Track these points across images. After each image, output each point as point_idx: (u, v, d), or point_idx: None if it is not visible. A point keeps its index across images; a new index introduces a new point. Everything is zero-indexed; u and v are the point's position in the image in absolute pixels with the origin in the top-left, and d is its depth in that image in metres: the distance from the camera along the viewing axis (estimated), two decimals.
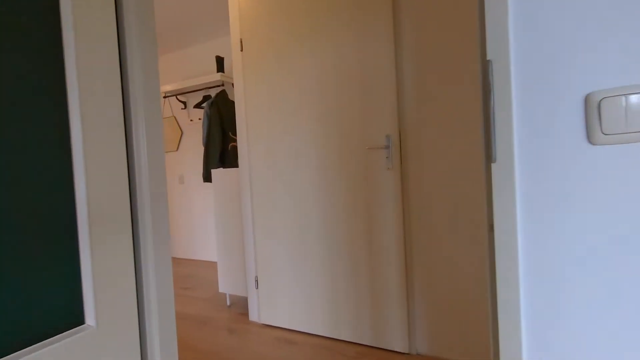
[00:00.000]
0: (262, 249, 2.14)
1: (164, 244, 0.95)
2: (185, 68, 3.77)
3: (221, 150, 2.93)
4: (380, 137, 1.74)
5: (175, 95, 3.61)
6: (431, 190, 1.69)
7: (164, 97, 3.61)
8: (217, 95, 3.12)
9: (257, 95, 2.12)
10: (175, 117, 3.89)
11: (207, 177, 2.90)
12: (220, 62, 3.24)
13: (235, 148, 2.97)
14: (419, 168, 1.71)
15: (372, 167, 1.76)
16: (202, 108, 3.36)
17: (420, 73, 1.69)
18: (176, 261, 3.85)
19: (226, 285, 2.45)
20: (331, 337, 1.93)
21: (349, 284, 1.85)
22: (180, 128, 3.87)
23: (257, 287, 2.18)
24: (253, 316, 2.22)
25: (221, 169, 2.42)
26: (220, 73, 3.17)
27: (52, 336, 0.68)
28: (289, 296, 2.05)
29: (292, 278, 2.03)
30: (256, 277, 2.18)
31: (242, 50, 2.15)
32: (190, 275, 3.25)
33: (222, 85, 3.25)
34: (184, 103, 3.78)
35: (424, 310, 1.73)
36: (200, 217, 3.81)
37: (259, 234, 2.15)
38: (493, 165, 0.68)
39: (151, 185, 0.91)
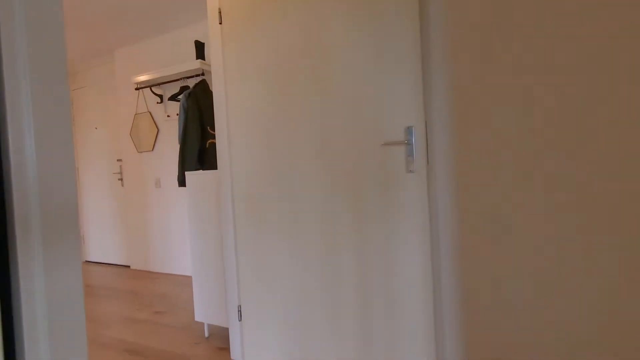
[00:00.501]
0: (246, 272, 1.71)
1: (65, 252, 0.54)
2: (162, 57, 3.32)
3: (200, 148, 2.49)
4: (399, 130, 1.33)
5: (150, 86, 3.16)
6: (470, 199, 1.28)
7: (137, 89, 3.15)
8: (196, 85, 2.68)
9: (240, 80, 1.69)
10: (150, 113, 3.43)
11: (183, 181, 2.46)
12: (200, 48, 2.80)
13: (214, 145, 2.54)
14: (454, 171, 1.30)
15: (388, 168, 1.35)
16: (178, 100, 2.92)
17: (459, 36, 1.28)
18: (151, 276, 3.38)
19: (203, 314, 2.01)
20: None
21: (358, 320, 1.43)
22: (156, 125, 3.41)
23: (240, 319, 1.75)
24: (235, 353, 1.78)
25: (199, 171, 1.99)
26: (199, 60, 2.74)
27: None
28: (280, 331, 1.62)
29: (284, 309, 1.61)
30: (239, 306, 1.75)
31: (220, 23, 1.73)
32: (165, 295, 2.80)
33: (202, 74, 2.82)
34: (160, 97, 3.33)
35: None
36: (179, 226, 3.36)
37: (242, 254, 1.72)
38: None
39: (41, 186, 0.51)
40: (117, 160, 3.83)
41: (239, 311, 1.75)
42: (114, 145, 3.85)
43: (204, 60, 2.83)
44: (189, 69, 2.77)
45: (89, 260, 4.15)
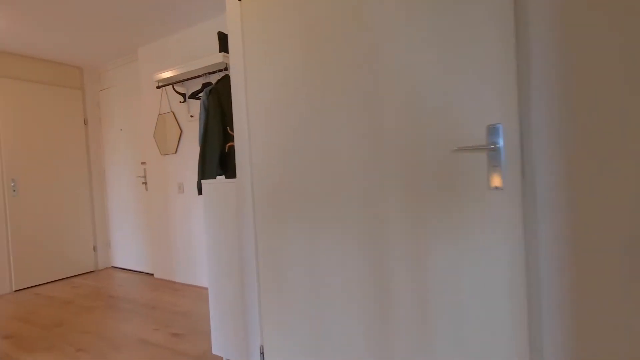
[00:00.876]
0: (270, 304, 1.39)
1: None
2: (185, 53, 3.09)
3: (221, 152, 2.21)
4: (479, 129, 0.95)
5: (172, 84, 2.93)
6: (596, 230, 0.88)
7: (158, 87, 2.93)
8: (219, 81, 2.40)
9: (263, 67, 1.37)
10: (173, 113, 3.21)
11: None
12: (223, 40, 2.52)
13: (234, 148, 2.25)
14: (569, 190, 0.91)
15: (463, 182, 0.98)
16: (198, 98, 2.66)
17: None
18: (173, 287, 3.17)
19: (222, 346, 1.71)
20: None
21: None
22: (179, 126, 3.19)
23: None
24: None
25: (215, 179, 1.70)
26: (222, 53, 2.46)
27: None
28: None
29: (317, 354, 1.27)
30: (261, 346, 1.43)
31: (240, 0, 1.42)
32: (185, 314, 2.55)
33: (226, 69, 2.54)
34: (184, 96, 3.10)
35: None
36: (202, 235, 3.11)
37: (266, 282, 1.40)
38: None
39: None
40: (141, 163, 3.66)
41: (262, 352, 1.43)
42: (139, 147, 3.68)
43: (228, 53, 2.55)
44: (210, 63, 2.50)
45: (115, 266, 4.03)
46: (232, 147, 2.22)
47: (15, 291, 3.31)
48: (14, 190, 3.32)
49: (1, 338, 2.29)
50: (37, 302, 2.97)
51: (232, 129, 2.23)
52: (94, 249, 3.93)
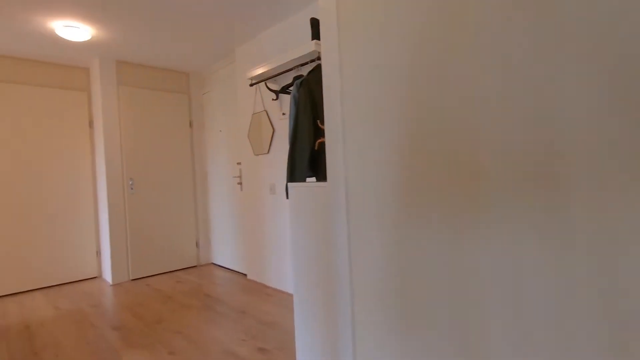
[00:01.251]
0: (374, 324, 1.05)
1: None
2: (279, 47, 2.95)
3: (311, 151, 1.95)
4: None
5: (264, 81, 2.81)
6: None
7: (251, 85, 2.85)
8: (311, 72, 2.16)
9: (361, 38, 1.04)
10: (266, 111, 3.11)
11: None
12: (316, 27, 2.27)
13: (324, 147, 1.96)
14: None
15: None
16: (288, 93, 2.46)
17: None
18: (264, 291, 3.07)
19: None
20: None
21: None
22: (271, 124, 3.08)
23: None
24: None
25: (304, 182, 1.43)
26: (315, 41, 2.21)
27: None
28: None
29: None
30: None
31: None
32: (274, 325, 2.37)
33: (319, 58, 2.28)
34: (276, 93, 2.97)
35: None
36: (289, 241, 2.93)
37: (364, 296, 1.07)
38: None
39: None
40: (237, 163, 3.69)
41: None
42: (235, 147, 3.72)
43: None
44: (302, 53, 2.28)
45: (214, 262, 4.18)
46: (322, 145, 1.94)
47: (131, 280, 3.63)
48: (132, 188, 3.64)
49: (112, 328, 2.43)
50: (146, 293, 3.17)
51: (321, 122, 1.95)
52: (197, 245, 4.13)
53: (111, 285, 3.46)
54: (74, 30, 2.77)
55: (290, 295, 2.95)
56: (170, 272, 3.90)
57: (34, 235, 3.41)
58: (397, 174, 0.99)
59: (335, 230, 1.20)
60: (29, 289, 3.40)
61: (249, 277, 3.49)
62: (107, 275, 3.62)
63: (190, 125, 4.12)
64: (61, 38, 2.96)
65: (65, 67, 3.62)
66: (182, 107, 4.04)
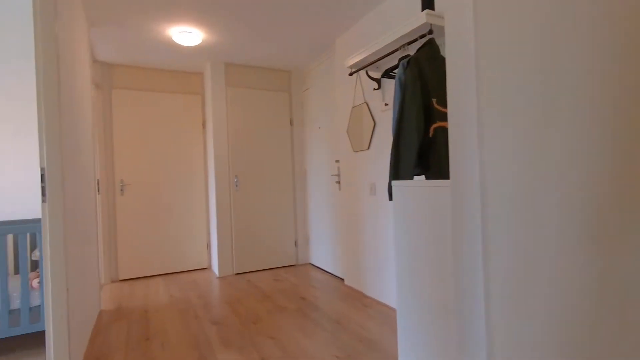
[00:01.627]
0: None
1: None
2: (380, 30, 2.63)
3: (421, 142, 1.58)
4: None
5: (364, 68, 2.52)
6: None
7: (351, 74, 2.59)
8: (420, 49, 1.79)
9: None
10: (367, 104, 2.83)
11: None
12: None
13: (445, 132, 1.55)
14: None
15: None
16: (392, 77, 2.12)
17: None
18: (362, 301, 2.79)
19: None
20: None
21: None
22: (372, 117, 2.78)
23: None
24: None
25: (412, 181, 1.10)
26: (426, 12, 1.83)
27: None
28: None
29: None
30: None
31: None
32: (370, 342, 2.07)
33: (430, 32, 1.89)
34: (378, 82, 2.66)
35: None
36: (392, 247, 2.58)
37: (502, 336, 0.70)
38: None
39: None
40: (335, 161, 3.49)
41: None
42: (334, 144, 3.54)
43: (433, 9, 1.89)
44: (410, 28, 1.91)
45: (312, 263, 4.08)
46: (441, 130, 1.55)
47: (235, 274, 3.76)
48: (237, 186, 3.77)
49: (212, 323, 2.46)
50: (246, 289, 3.21)
51: (439, 103, 1.56)
52: (295, 244, 4.09)
53: (217, 278, 3.63)
54: (187, 35, 2.94)
55: (392, 309, 2.61)
56: (269, 269, 3.94)
57: (158, 227, 3.80)
58: (598, 178, 0.60)
59: (461, 242, 0.84)
60: (154, 274, 3.80)
61: (346, 282, 3.26)
62: (215, 268, 3.82)
63: (291, 123, 4.10)
64: (177, 44, 3.19)
65: (183, 73, 3.96)
66: (283, 105, 4.05)
